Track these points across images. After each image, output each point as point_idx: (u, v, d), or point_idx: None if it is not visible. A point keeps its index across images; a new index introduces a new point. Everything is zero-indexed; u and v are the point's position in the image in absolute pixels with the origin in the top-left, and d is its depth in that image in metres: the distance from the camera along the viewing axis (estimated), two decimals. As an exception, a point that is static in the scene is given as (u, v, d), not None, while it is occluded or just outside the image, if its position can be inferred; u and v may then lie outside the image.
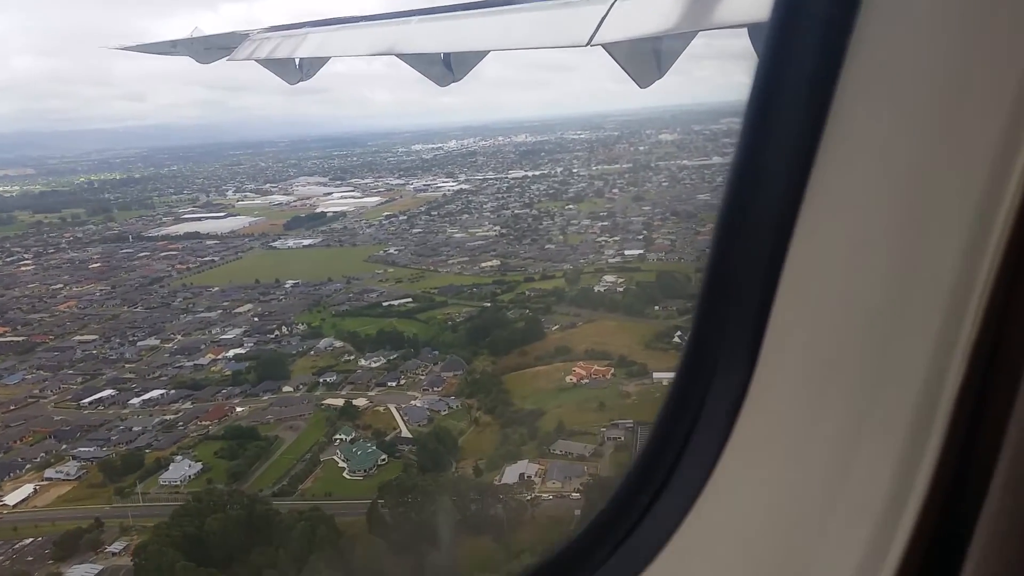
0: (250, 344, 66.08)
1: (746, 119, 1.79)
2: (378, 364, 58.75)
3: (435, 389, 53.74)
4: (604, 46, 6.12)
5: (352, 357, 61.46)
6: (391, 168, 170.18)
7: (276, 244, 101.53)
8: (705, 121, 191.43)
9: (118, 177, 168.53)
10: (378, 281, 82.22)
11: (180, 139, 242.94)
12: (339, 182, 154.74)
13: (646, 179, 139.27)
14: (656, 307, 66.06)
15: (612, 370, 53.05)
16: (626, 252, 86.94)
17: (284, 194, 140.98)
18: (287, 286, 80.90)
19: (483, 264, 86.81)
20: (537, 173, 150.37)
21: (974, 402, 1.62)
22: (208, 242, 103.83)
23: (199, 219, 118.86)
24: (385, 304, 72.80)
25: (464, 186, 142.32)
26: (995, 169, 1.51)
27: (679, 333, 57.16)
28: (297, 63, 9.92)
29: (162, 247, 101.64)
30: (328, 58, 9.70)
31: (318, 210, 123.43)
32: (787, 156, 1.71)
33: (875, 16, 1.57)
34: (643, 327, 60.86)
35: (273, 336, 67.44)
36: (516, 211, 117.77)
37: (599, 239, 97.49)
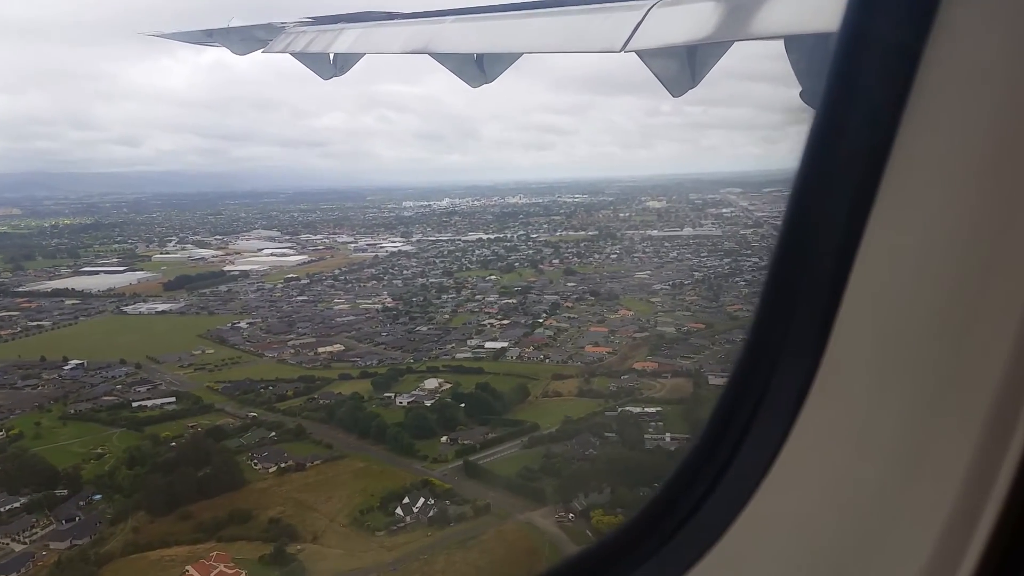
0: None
1: (824, 96, 1.65)
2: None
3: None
4: (638, 53, 5.53)
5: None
6: (360, 224, 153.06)
7: (130, 308, 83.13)
8: (703, 190, 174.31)
9: (80, 222, 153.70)
10: (178, 367, 62.67)
11: (190, 186, 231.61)
12: (288, 237, 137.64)
13: (597, 249, 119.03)
14: (443, 437, 44.78)
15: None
16: (487, 344, 65.82)
17: (217, 248, 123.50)
18: (67, 367, 61.72)
19: (322, 349, 66.69)
20: (493, 237, 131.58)
21: None
22: (69, 301, 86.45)
23: (94, 274, 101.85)
24: (136, 404, 52.83)
25: (407, 247, 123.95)
26: None
27: (421, 498, 36.04)
28: (331, 58, 8.85)
29: (13, 304, 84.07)
30: (363, 54, 8.71)
31: (226, 268, 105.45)
32: (863, 143, 1.59)
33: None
34: (394, 475, 39.75)
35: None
36: (431, 280, 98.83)
37: (485, 323, 77.11)
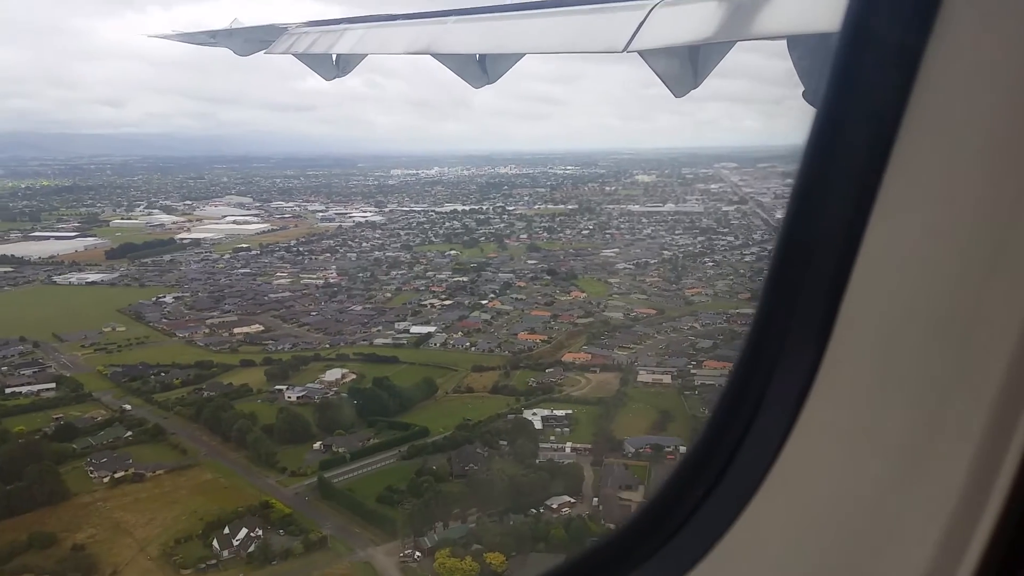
0: None
1: (826, 93, 1.62)
2: None
3: None
4: (640, 53, 5.40)
5: None
6: (339, 192, 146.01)
7: (62, 277, 77.23)
8: (697, 165, 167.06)
9: (58, 184, 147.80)
10: (79, 346, 57.02)
11: (182, 150, 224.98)
12: (259, 204, 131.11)
13: (571, 224, 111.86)
14: (316, 443, 38.60)
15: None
16: (412, 329, 59.41)
17: (181, 214, 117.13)
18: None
19: (239, 330, 60.68)
20: (468, 208, 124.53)
21: None
22: (2, 269, 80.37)
23: (44, 239, 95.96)
24: (9, 391, 47.16)
25: (376, 218, 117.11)
26: None
27: (244, 528, 29.84)
28: (334, 59, 8.72)
29: (-57, 272, 78.46)
30: (365, 55, 8.63)
31: (180, 236, 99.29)
32: (865, 141, 1.56)
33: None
34: (238, 492, 33.69)
35: None
36: (388, 253, 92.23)
37: (426, 302, 70.73)
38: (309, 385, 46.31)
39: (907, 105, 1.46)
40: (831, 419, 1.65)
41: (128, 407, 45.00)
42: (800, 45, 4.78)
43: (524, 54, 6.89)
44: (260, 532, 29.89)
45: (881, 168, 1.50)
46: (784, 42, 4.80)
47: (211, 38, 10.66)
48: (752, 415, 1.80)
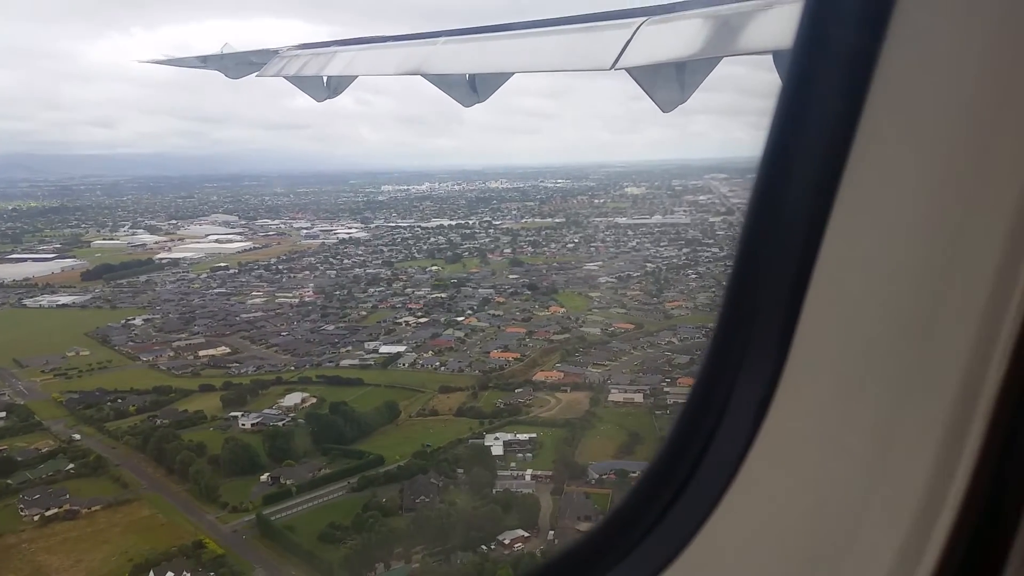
0: None
1: (779, 104, 1.63)
2: None
3: None
4: (628, 70, 5.48)
5: None
6: (326, 209, 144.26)
7: (33, 300, 75.26)
8: (688, 176, 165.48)
9: (44, 206, 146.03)
10: (40, 372, 55.08)
11: (174, 169, 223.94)
12: (245, 222, 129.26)
13: (556, 238, 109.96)
14: (264, 475, 36.43)
15: None
16: (382, 349, 57.33)
17: (165, 234, 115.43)
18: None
19: (204, 352, 58.66)
20: (454, 223, 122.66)
21: (1016, 400, 1.46)
22: (-28, 293, 78.44)
23: (21, 261, 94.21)
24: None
25: (361, 234, 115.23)
26: None
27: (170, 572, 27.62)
28: (325, 81, 8.93)
29: (-90, 297, 76.43)
30: (356, 76, 8.71)
31: (159, 256, 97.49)
32: (821, 145, 1.56)
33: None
34: (174, 530, 31.48)
35: None
36: (369, 270, 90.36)
37: (401, 320, 68.71)
38: (266, 411, 44.20)
39: (862, 110, 1.45)
40: (795, 424, 1.64)
41: (77, 437, 42.89)
42: (786, 60, 4.32)
43: (513, 73, 6.85)
44: (187, 575, 27.72)
45: (838, 173, 1.48)
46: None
47: (201, 62, 10.66)
48: (717, 422, 1.77)
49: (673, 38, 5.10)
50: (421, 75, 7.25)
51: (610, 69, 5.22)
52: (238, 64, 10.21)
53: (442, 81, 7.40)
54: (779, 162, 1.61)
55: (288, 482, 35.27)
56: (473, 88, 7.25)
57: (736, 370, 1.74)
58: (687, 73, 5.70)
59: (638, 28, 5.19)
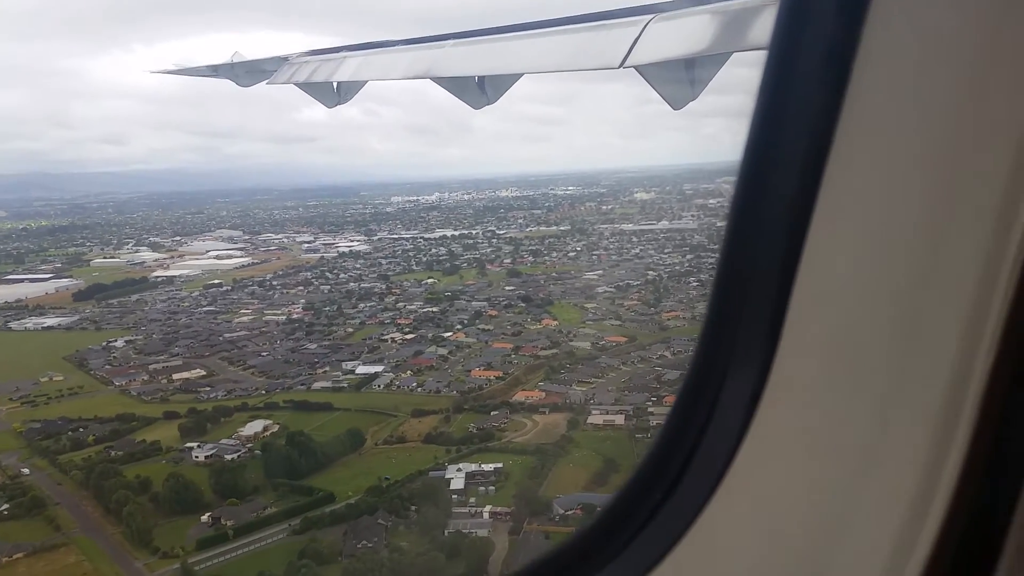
0: None
1: (759, 102, 1.62)
2: None
3: None
4: (637, 68, 5.44)
5: None
6: (333, 222, 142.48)
7: (19, 322, 73.67)
8: (700, 180, 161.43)
9: (54, 224, 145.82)
10: (8, 399, 52.92)
11: (189, 184, 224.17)
12: (248, 237, 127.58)
13: (559, 247, 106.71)
14: (205, 515, 33.66)
15: None
16: (358, 370, 54.51)
17: (166, 251, 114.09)
18: None
19: (177, 376, 56.27)
20: (457, 234, 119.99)
21: (1004, 397, 1.46)
22: (-38, 316, 77.14)
23: (18, 282, 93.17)
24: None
25: (362, 247, 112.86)
26: (1019, 158, 1.37)
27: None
28: (335, 86, 8.88)
29: None
30: (365, 81, 8.65)
31: (155, 273, 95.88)
32: (802, 145, 1.55)
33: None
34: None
35: None
36: (363, 284, 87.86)
37: (387, 336, 65.95)
38: (223, 441, 41.54)
39: (841, 108, 1.44)
40: (782, 424, 1.64)
41: (27, 471, 40.53)
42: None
43: (523, 74, 6.90)
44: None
45: (819, 174, 1.48)
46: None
47: (212, 71, 10.72)
48: (704, 424, 1.77)
49: (681, 34, 5.05)
50: (431, 78, 7.22)
51: (619, 67, 5.21)
52: (248, 72, 10.31)
53: (452, 84, 7.35)
54: (761, 158, 1.60)
55: (228, 523, 32.52)
56: (483, 89, 7.21)
57: (725, 367, 1.72)
58: (697, 69, 5.67)
59: (646, 25, 5.18)
